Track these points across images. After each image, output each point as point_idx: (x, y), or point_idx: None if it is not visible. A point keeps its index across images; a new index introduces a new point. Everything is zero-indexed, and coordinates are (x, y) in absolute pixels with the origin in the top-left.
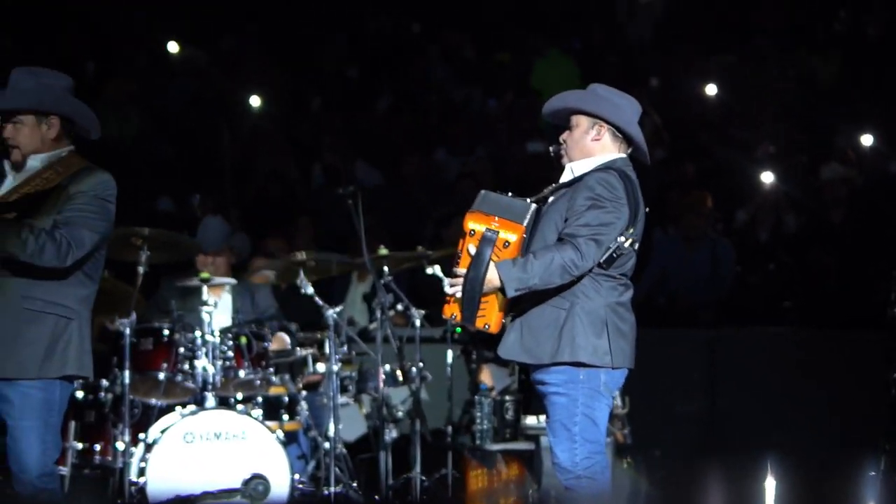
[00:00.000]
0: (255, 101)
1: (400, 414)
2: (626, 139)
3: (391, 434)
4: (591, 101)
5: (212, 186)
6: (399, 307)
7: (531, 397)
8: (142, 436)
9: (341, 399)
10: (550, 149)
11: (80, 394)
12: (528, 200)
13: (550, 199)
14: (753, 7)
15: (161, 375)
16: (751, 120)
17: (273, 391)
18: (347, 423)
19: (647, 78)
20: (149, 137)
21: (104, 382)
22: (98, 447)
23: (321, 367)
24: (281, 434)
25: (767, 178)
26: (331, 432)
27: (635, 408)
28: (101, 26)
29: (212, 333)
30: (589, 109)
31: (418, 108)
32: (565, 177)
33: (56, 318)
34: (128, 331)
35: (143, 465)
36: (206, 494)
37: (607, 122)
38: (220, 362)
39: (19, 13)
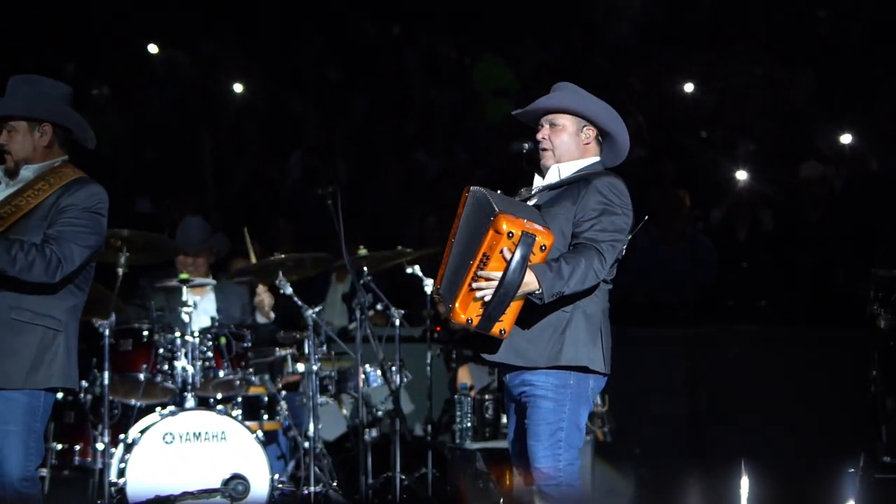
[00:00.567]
0: (235, 101)
1: (380, 413)
2: (610, 143)
3: (371, 433)
4: (587, 104)
5: (192, 188)
6: (379, 307)
7: None
8: (121, 436)
9: (321, 399)
10: (525, 146)
11: (59, 395)
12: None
13: (535, 199)
14: (733, 7)
15: (141, 376)
16: (730, 119)
17: (253, 391)
18: (327, 422)
19: (627, 78)
20: (129, 139)
21: (84, 383)
22: (78, 448)
23: (301, 366)
24: (261, 434)
25: (742, 175)
26: (310, 432)
27: (614, 406)
28: (82, 28)
29: (191, 334)
30: (588, 114)
31: (398, 109)
32: (551, 178)
33: (44, 329)
34: (107, 332)
35: (122, 465)
36: (185, 495)
37: (598, 127)
38: (199, 363)
39: None
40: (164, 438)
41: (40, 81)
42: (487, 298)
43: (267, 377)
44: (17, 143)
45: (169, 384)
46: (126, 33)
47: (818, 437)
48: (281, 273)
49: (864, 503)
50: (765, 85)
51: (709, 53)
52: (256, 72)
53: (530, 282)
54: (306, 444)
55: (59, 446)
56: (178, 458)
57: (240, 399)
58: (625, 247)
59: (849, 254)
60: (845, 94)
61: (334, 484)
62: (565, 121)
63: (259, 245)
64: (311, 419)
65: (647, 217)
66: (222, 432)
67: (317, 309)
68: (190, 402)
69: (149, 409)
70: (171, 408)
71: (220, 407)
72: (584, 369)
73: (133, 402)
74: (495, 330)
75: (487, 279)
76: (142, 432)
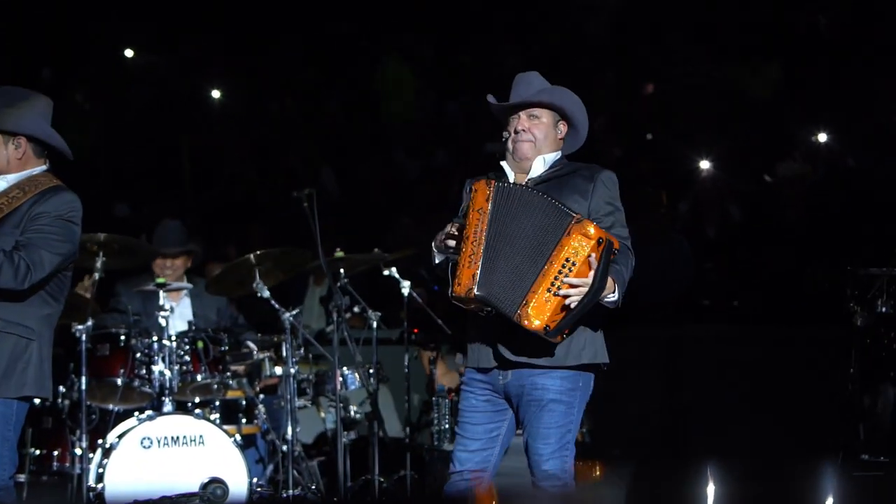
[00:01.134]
0: (213, 105)
1: (358, 416)
2: (573, 133)
3: (349, 436)
4: (566, 101)
5: (170, 192)
6: (356, 309)
7: None
8: (100, 441)
9: (299, 402)
10: (505, 134)
11: (37, 400)
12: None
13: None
14: (709, 5)
15: (118, 381)
16: (705, 118)
17: (230, 395)
18: (305, 425)
19: (603, 75)
20: (106, 143)
21: (61, 388)
22: (56, 453)
23: (278, 370)
24: (239, 438)
25: (705, 164)
26: (289, 435)
27: (592, 406)
28: (58, 32)
29: (168, 338)
30: (568, 111)
31: (376, 110)
32: (536, 169)
33: (16, 338)
34: (84, 336)
35: (100, 470)
36: (164, 499)
37: (570, 123)
38: (177, 367)
39: None
40: (142, 443)
41: (13, 93)
42: (574, 305)
43: (245, 381)
44: None
45: (146, 388)
46: (103, 38)
47: (796, 435)
48: (258, 276)
49: (843, 501)
50: (734, 81)
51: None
52: (233, 75)
53: (609, 286)
54: (284, 448)
55: (37, 452)
56: (156, 462)
57: (217, 403)
58: None
59: (825, 252)
60: (821, 92)
61: (313, 487)
62: (543, 113)
63: (235, 249)
64: (290, 422)
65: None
66: (200, 436)
67: (294, 312)
68: (168, 406)
69: (127, 414)
70: (148, 412)
71: (197, 411)
72: (592, 367)
73: (111, 406)
74: (560, 337)
75: (575, 286)
76: (120, 437)
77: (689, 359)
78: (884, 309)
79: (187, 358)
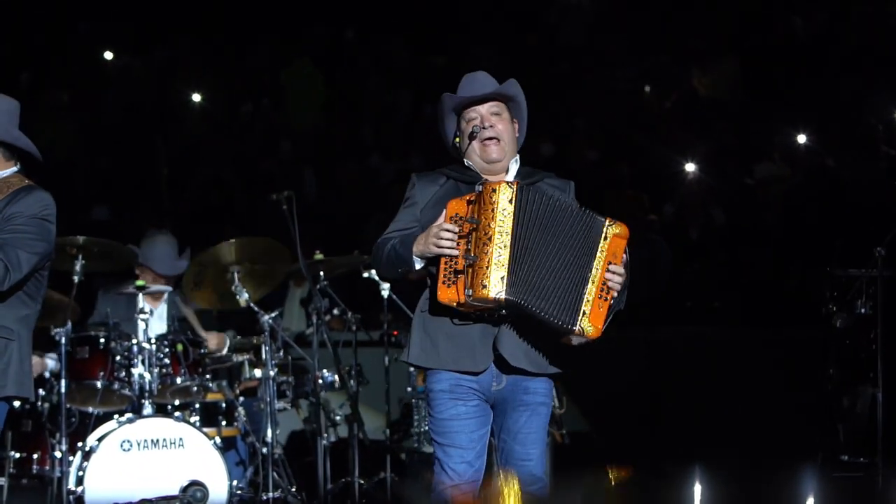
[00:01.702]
0: (191, 108)
1: (338, 418)
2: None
3: (329, 438)
4: (522, 98)
5: (148, 194)
6: (335, 311)
7: None
8: (79, 444)
9: (279, 404)
10: (473, 128)
11: (16, 403)
12: None
13: None
14: (686, 8)
15: (98, 383)
16: (685, 120)
17: (210, 397)
18: (285, 428)
19: (580, 79)
20: (84, 146)
21: (41, 392)
22: (36, 456)
23: (258, 372)
24: (219, 440)
25: (691, 167)
26: (269, 437)
27: (572, 408)
28: (35, 36)
29: (148, 341)
30: (523, 112)
31: (353, 113)
32: (513, 172)
33: None
34: (64, 339)
35: (80, 473)
36: (144, 502)
37: (518, 123)
38: (156, 369)
39: None
40: (121, 446)
41: None
42: (611, 301)
43: (224, 383)
44: None
45: (126, 391)
46: (81, 41)
47: (776, 436)
48: (237, 279)
49: (823, 502)
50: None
51: (663, 55)
52: (211, 77)
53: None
54: (264, 450)
55: (17, 455)
56: (136, 465)
57: (197, 405)
58: None
59: (803, 254)
60: (800, 94)
61: (293, 489)
62: (503, 109)
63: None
64: (269, 425)
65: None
66: (180, 439)
67: (273, 314)
68: (147, 409)
69: (106, 417)
70: (128, 415)
71: (177, 413)
72: (556, 375)
73: (90, 409)
74: (597, 334)
75: (618, 275)
76: (99, 440)
77: (667, 360)
78: (863, 310)
79: (167, 361)
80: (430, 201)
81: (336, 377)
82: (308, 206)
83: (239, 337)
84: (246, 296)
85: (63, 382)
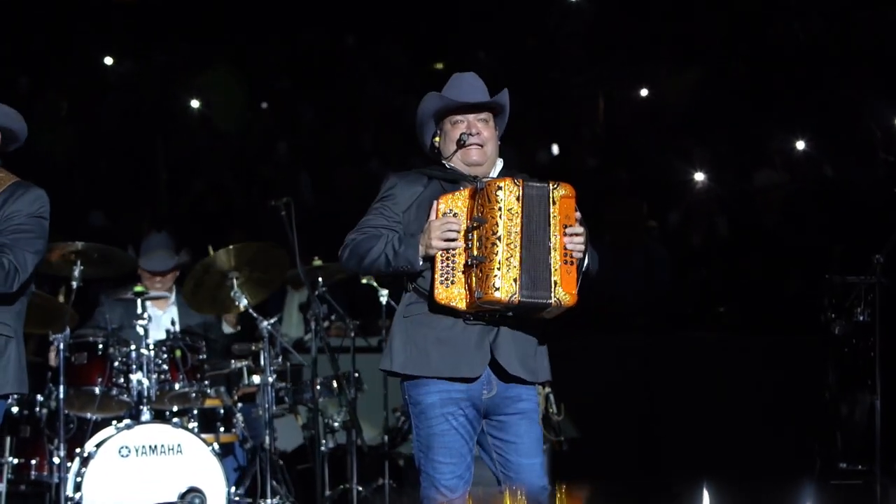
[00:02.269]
0: (190, 113)
1: (336, 424)
2: None
3: (327, 445)
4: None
5: (147, 200)
6: (334, 318)
7: None
8: (77, 450)
9: (277, 410)
10: (462, 136)
11: (15, 409)
12: None
13: None
14: (686, 15)
15: (96, 389)
16: (685, 126)
17: (209, 403)
18: (284, 434)
19: (579, 84)
20: (82, 152)
21: (39, 398)
22: (34, 462)
23: (256, 378)
24: (217, 446)
25: (699, 177)
26: (267, 444)
27: (571, 414)
28: (34, 40)
29: (147, 347)
30: (506, 116)
31: (352, 118)
32: (496, 174)
33: None
34: (62, 345)
35: (79, 479)
36: None
37: (499, 128)
38: (155, 375)
39: None
40: (119, 452)
41: None
42: (578, 255)
43: (223, 389)
44: None
45: (125, 397)
46: (80, 45)
47: (774, 443)
48: (236, 284)
49: None
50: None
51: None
52: (210, 83)
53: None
54: (263, 457)
55: (16, 461)
56: (134, 471)
57: (196, 411)
58: None
59: (802, 260)
60: (798, 100)
61: (291, 496)
62: (490, 116)
63: None
64: (268, 431)
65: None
66: (178, 445)
67: (272, 320)
68: (146, 415)
69: (105, 423)
70: (126, 421)
71: (175, 420)
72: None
73: (89, 415)
74: (574, 300)
75: (575, 242)
76: (98, 446)
77: (666, 366)
78: (861, 317)
79: (165, 367)
80: (413, 203)
81: (334, 383)
82: (307, 212)
83: (237, 345)
84: (245, 301)
85: (62, 388)
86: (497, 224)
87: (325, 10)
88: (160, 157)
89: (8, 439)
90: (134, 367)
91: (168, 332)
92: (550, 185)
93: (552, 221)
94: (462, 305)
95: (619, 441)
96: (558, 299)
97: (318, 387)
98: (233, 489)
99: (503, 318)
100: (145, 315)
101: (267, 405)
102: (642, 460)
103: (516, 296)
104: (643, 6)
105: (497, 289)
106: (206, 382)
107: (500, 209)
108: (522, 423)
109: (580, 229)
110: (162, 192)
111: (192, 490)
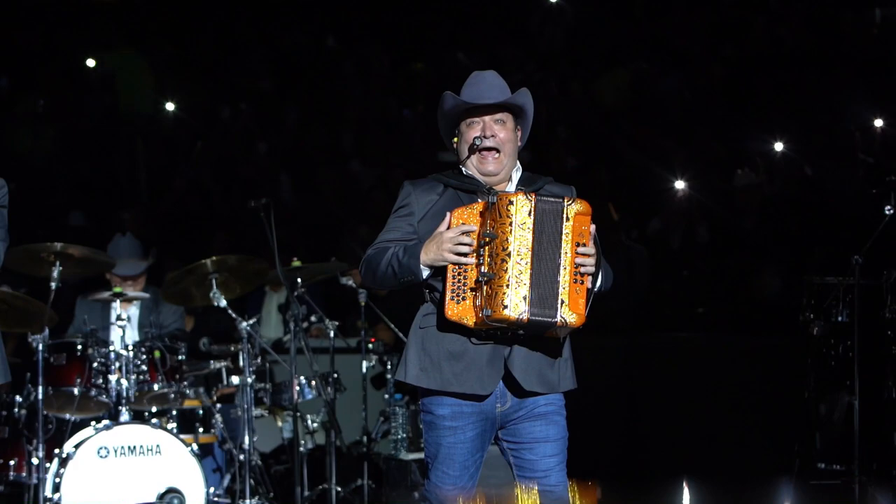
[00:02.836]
0: (169, 114)
1: (315, 425)
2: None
3: (306, 445)
4: (531, 107)
5: (127, 201)
6: (313, 318)
7: None
8: (56, 451)
9: (256, 411)
10: (475, 139)
11: None
12: None
13: None
14: (664, 16)
15: (75, 390)
16: (663, 127)
17: (187, 404)
18: (262, 434)
19: (560, 85)
20: (62, 152)
21: (18, 398)
22: (13, 463)
23: (235, 379)
24: (196, 447)
25: (680, 185)
26: (246, 444)
27: None
28: (15, 41)
29: (125, 347)
30: (529, 118)
31: (333, 119)
32: (516, 180)
33: None
34: (41, 346)
35: (57, 480)
36: None
37: (522, 129)
38: (133, 376)
39: None
40: (98, 453)
41: None
42: (589, 281)
43: (202, 390)
44: None
45: (103, 398)
46: (61, 46)
47: (754, 443)
48: (215, 285)
49: None
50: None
51: (641, 62)
52: (190, 84)
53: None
54: (242, 457)
55: None
56: (113, 472)
57: (175, 412)
58: None
59: (781, 261)
60: (778, 103)
61: (270, 496)
62: (508, 118)
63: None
64: (247, 432)
65: None
66: (157, 446)
67: (251, 321)
68: (124, 415)
69: (83, 424)
70: (105, 422)
71: (154, 420)
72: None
73: (67, 416)
74: (581, 321)
75: (587, 263)
76: (76, 447)
77: (646, 367)
78: (840, 318)
79: (144, 367)
80: (428, 212)
81: (313, 384)
82: (286, 213)
83: (215, 346)
84: (224, 302)
85: (40, 389)
86: (507, 240)
87: (305, 10)
88: (140, 157)
89: None
90: (112, 367)
91: (146, 332)
92: (565, 200)
93: (564, 238)
94: (471, 323)
95: (601, 441)
96: (564, 318)
97: (297, 387)
98: (212, 490)
99: (515, 335)
100: (124, 315)
101: (246, 406)
102: (623, 460)
103: (525, 314)
104: (623, 8)
105: (506, 306)
106: (185, 383)
107: (511, 224)
108: (538, 423)
109: (591, 249)
110: (143, 192)
111: (170, 490)
